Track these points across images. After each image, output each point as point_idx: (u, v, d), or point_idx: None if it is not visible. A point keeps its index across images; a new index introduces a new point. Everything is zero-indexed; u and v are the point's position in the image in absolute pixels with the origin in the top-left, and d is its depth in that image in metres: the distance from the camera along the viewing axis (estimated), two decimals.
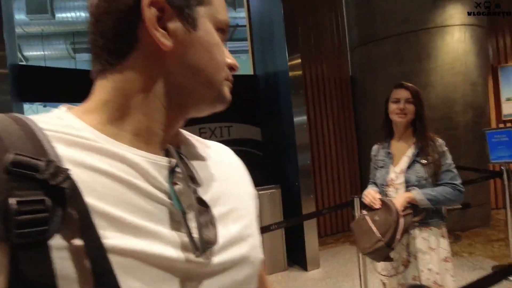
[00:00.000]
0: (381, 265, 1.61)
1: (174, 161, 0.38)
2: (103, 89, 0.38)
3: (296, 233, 3.11)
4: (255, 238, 0.45)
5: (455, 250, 3.34)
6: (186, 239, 0.36)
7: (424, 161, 1.53)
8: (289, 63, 3.23)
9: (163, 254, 0.34)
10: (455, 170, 1.55)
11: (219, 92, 0.41)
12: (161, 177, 0.37)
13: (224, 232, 0.39)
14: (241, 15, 7.26)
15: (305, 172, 3.19)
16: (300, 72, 3.30)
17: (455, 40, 3.70)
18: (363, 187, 4.68)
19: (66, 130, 0.34)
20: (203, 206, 0.38)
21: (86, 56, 9.02)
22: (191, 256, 0.35)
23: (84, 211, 0.29)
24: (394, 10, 3.77)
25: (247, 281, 0.42)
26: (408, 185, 1.54)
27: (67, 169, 0.29)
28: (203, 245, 0.35)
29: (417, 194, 1.47)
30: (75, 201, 0.29)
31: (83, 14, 7.53)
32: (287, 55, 3.22)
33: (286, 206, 3.17)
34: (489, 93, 4.30)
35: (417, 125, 1.59)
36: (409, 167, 1.55)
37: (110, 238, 0.30)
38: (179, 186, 0.38)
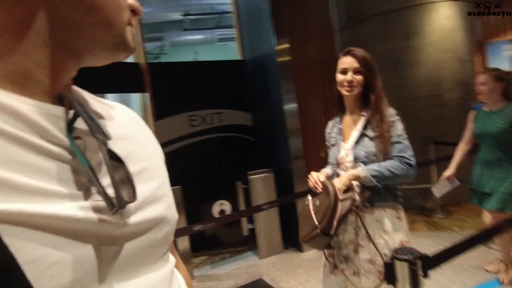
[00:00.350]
0: (328, 252, 1.45)
1: (72, 111, 0.32)
2: None
3: (290, 216, 3.16)
4: (169, 198, 0.43)
5: (446, 224, 3.42)
6: (97, 198, 0.31)
7: (372, 134, 1.37)
8: (276, 48, 3.21)
9: (69, 215, 0.28)
10: (405, 141, 1.37)
11: (122, 37, 0.35)
12: (57, 130, 0.30)
13: (139, 190, 0.35)
14: (227, 1, 7.15)
15: (297, 155, 3.22)
16: (288, 57, 3.28)
17: (443, 17, 3.68)
18: None
19: None
20: (115, 161, 0.34)
21: None
22: (105, 217, 0.31)
23: None
24: None
25: (164, 241, 0.40)
26: (357, 163, 1.38)
27: None
28: (121, 202, 0.31)
29: (361, 171, 1.31)
30: None
31: None
32: (274, 39, 3.19)
33: (280, 189, 3.20)
34: (477, 69, 4.32)
35: (369, 96, 1.40)
36: (358, 142, 1.40)
37: None
38: (82, 141, 0.32)
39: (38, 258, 0.26)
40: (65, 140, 0.31)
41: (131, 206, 0.34)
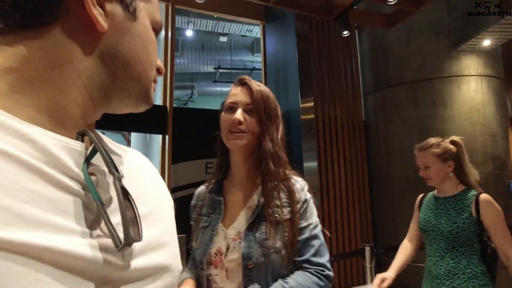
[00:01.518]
0: None
1: (90, 148, 0.33)
2: (2, 54, 0.31)
3: None
4: (175, 246, 0.42)
5: None
6: (102, 237, 0.31)
7: (276, 217, 0.85)
8: (301, 105, 3.24)
9: (74, 252, 0.28)
10: (321, 236, 0.91)
11: (147, 91, 0.40)
12: (74, 164, 0.31)
13: (144, 233, 0.34)
14: (258, 59, 7.57)
15: None
16: (312, 116, 3.29)
17: (472, 90, 3.65)
18: (376, 235, 4.38)
19: None
20: (125, 199, 0.33)
21: None
22: (109, 257, 0.31)
23: None
24: (408, 57, 3.82)
25: None
26: (247, 264, 0.83)
27: None
28: (128, 239, 0.30)
29: None
30: None
31: None
32: (299, 97, 3.24)
33: None
34: (511, 146, 4.13)
35: (265, 151, 0.89)
36: (250, 228, 0.86)
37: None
38: (95, 177, 0.33)
39: None
40: (81, 174, 0.32)
41: (134, 249, 0.34)
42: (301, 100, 3.24)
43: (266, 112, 0.92)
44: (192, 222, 1.01)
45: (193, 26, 7.09)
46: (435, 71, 3.70)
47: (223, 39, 7.67)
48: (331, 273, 0.88)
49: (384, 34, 3.99)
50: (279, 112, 0.98)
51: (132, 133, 5.58)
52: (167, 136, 3.34)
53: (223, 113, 0.95)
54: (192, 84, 9.69)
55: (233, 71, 8.57)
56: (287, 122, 3.41)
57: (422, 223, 1.62)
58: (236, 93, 0.94)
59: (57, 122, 0.32)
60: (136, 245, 0.34)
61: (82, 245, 0.29)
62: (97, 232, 0.31)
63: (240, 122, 0.89)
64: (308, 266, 0.86)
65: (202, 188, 1.04)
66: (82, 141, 0.34)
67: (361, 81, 4.41)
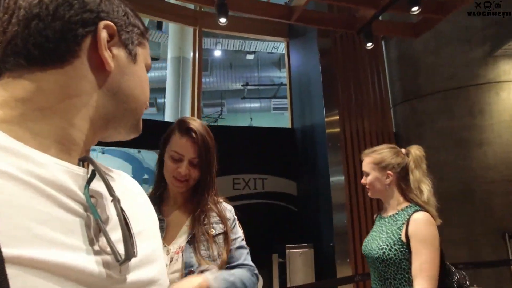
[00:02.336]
0: None
1: (89, 172, 0.38)
2: (17, 85, 0.35)
3: None
4: (162, 263, 0.46)
5: None
6: (103, 253, 0.35)
7: (213, 231, 1.03)
8: (327, 119, 3.21)
9: (83, 267, 0.32)
10: (247, 247, 1.12)
11: (138, 122, 0.46)
12: (77, 187, 0.35)
13: (138, 249, 0.38)
14: (285, 74, 7.66)
15: (341, 231, 2.94)
16: (337, 129, 3.25)
17: None
18: None
19: None
20: (123, 218, 0.37)
21: (145, 111, 9.99)
22: (109, 271, 0.35)
23: None
24: (439, 65, 3.66)
25: None
26: (189, 271, 0.98)
27: None
28: (128, 255, 0.35)
29: (212, 279, 0.95)
30: None
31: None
32: (324, 112, 3.22)
33: (318, 268, 2.87)
34: None
35: (200, 189, 1.06)
36: (190, 241, 1.01)
37: (14, 247, 0.27)
38: (94, 199, 0.38)
39: None
40: (83, 197, 0.35)
41: (130, 264, 0.37)
42: (326, 114, 3.22)
43: (208, 161, 1.05)
44: None
45: (221, 46, 7.36)
46: (470, 78, 3.51)
47: (250, 56, 7.87)
48: (258, 274, 1.10)
49: (411, 43, 3.88)
50: (215, 155, 1.10)
51: None
52: None
53: (168, 159, 1.04)
54: (221, 101, 9.96)
55: (261, 87, 8.71)
56: (312, 137, 3.36)
57: (362, 247, 1.40)
58: (182, 145, 1.02)
59: (64, 148, 0.37)
60: (131, 261, 0.37)
61: (88, 261, 0.33)
62: (98, 248, 0.35)
63: (185, 175, 1.02)
64: (243, 267, 1.07)
65: None
66: (83, 166, 0.39)
67: (389, 92, 4.29)
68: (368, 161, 1.40)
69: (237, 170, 3.49)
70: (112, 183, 0.42)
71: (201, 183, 1.05)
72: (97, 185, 0.39)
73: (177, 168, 1.01)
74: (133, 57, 0.43)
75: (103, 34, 0.38)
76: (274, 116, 10.14)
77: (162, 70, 8.01)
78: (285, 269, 2.86)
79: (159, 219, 0.97)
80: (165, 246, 1.01)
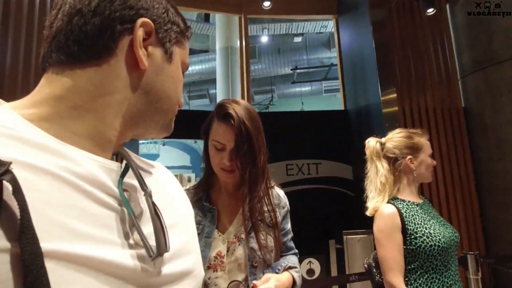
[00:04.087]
0: None
1: (123, 166, 0.38)
2: (57, 82, 0.36)
3: None
4: (197, 253, 0.47)
5: None
6: (137, 247, 0.35)
7: (268, 222, 1.00)
8: (383, 98, 3.00)
9: (119, 262, 0.32)
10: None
11: (170, 122, 0.45)
12: (111, 182, 0.36)
13: (171, 242, 0.38)
14: (335, 54, 7.30)
15: None
16: (395, 108, 3.02)
17: None
18: (488, 242, 3.74)
19: (2, 123, 0.31)
20: (155, 212, 0.38)
21: (197, 102, 10.43)
22: (144, 265, 0.35)
23: (23, 211, 0.26)
24: None
25: None
26: (253, 263, 0.95)
27: (8, 162, 0.26)
28: (160, 250, 0.35)
29: (298, 277, 0.99)
30: (16, 198, 0.26)
31: (197, 68, 8.86)
32: (379, 90, 3.00)
33: None
34: None
35: (249, 175, 0.98)
36: (249, 231, 0.98)
37: (51, 242, 0.28)
38: (127, 193, 0.38)
39: None
40: (117, 191, 0.36)
41: (164, 256, 0.38)
42: (381, 92, 2.99)
43: (252, 150, 0.97)
44: None
45: (268, 31, 7.27)
46: None
47: (298, 39, 7.65)
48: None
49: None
50: (264, 142, 1.04)
51: None
52: None
53: (212, 151, 1.00)
54: (271, 88, 9.91)
55: (311, 70, 8.45)
56: (367, 118, 3.19)
57: (440, 239, 1.23)
58: (222, 133, 0.97)
59: (97, 145, 0.37)
60: (165, 254, 0.37)
61: (123, 255, 0.33)
62: (132, 242, 0.35)
63: (231, 165, 0.97)
64: (294, 254, 1.12)
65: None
66: (117, 160, 0.40)
67: (456, 62, 3.83)
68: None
69: (289, 155, 3.46)
70: (145, 177, 0.42)
71: (250, 170, 0.99)
72: (131, 178, 0.39)
73: (221, 159, 0.97)
74: (168, 56, 0.42)
75: (140, 32, 0.38)
76: (325, 98, 9.81)
77: (212, 61, 8.22)
78: (343, 255, 2.79)
79: (210, 209, 1.02)
80: (220, 235, 0.99)
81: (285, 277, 0.94)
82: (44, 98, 0.35)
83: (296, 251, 1.14)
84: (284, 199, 1.10)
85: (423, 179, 1.38)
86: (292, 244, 1.12)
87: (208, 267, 0.96)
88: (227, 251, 0.97)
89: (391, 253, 1.20)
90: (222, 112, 0.97)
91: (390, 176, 1.38)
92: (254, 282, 0.86)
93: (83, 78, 0.36)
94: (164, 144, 11.41)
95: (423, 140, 1.40)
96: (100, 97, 0.37)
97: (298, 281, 0.99)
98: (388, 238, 1.22)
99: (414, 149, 1.37)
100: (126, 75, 0.38)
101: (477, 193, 3.57)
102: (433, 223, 1.27)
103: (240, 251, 0.97)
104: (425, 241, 1.19)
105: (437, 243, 1.19)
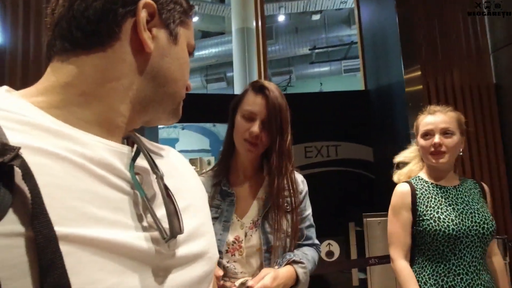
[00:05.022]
0: None
1: (134, 150, 0.38)
2: (63, 70, 0.36)
3: None
4: (211, 235, 0.46)
5: None
6: (151, 229, 0.35)
7: (285, 207, 0.98)
8: (406, 77, 2.86)
9: (132, 244, 0.32)
10: (314, 225, 1.10)
11: (178, 106, 0.44)
12: (122, 165, 0.36)
13: (185, 224, 0.38)
14: (356, 32, 7.01)
15: None
16: (419, 86, 2.88)
17: None
18: None
19: (12, 109, 0.31)
20: (167, 195, 0.38)
21: (215, 86, 10.42)
22: (158, 247, 0.35)
23: (36, 195, 0.26)
24: None
25: (206, 278, 0.42)
26: (268, 248, 0.95)
27: (17, 147, 0.26)
28: (173, 232, 0.35)
29: (302, 273, 0.93)
30: (26, 182, 0.26)
31: (213, 50, 8.79)
32: (402, 68, 2.86)
33: None
34: None
35: (272, 155, 0.97)
36: (265, 216, 0.97)
37: (66, 226, 0.28)
38: (139, 176, 0.38)
39: (95, 281, 0.29)
40: (128, 174, 0.36)
41: (178, 239, 0.38)
42: (404, 70, 2.86)
43: (281, 125, 0.97)
44: None
45: (285, 10, 7.05)
46: None
47: (316, 17, 7.39)
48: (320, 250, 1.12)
49: None
50: (289, 119, 1.02)
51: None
52: None
53: (240, 119, 0.99)
54: (289, 69, 9.73)
55: (330, 49, 8.19)
56: (389, 98, 3.08)
57: (453, 227, 1.18)
58: (256, 103, 0.97)
59: (106, 131, 0.37)
60: (178, 236, 0.37)
61: (137, 237, 0.34)
62: (146, 225, 0.36)
63: (257, 136, 0.95)
64: (313, 245, 1.08)
65: (202, 178, 1.07)
66: (127, 144, 0.39)
67: (488, 35, 3.58)
68: (454, 118, 1.25)
69: (308, 138, 3.42)
70: (157, 160, 0.42)
71: (273, 150, 0.97)
72: (143, 162, 0.39)
73: (249, 128, 0.95)
74: (174, 37, 0.41)
75: (143, 14, 0.37)
76: (345, 79, 9.52)
77: (228, 44, 8.12)
78: (363, 237, 2.77)
79: (229, 193, 1.01)
80: (238, 220, 0.99)
81: (285, 272, 0.90)
82: (51, 86, 0.35)
83: (316, 242, 1.09)
84: (302, 185, 1.07)
85: (428, 162, 1.28)
86: (311, 233, 1.08)
87: (226, 250, 0.96)
88: (245, 236, 0.98)
89: (395, 229, 1.25)
90: (257, 85, 1.00)
91: (416, 153, 1.39)
92: (250, 282, 0.84)
93: (88, 64, 0.36)
94: (183, 128, 11.59)
95: (420, 119, 1.34)
96: (107, 83, 0.36)
97: (303, 277, 0.93)
98: (395, 215, 1.26)
99: (416, 130, 1.36)
100: (131, 59, 0.37)
101: (507, 176, 3.41)
102: (450, 209, 1.20)
103: (256, 236, 0.98)
104: (430, 225, 1.18)
105: (443, 229, 1.16)
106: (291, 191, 1.00)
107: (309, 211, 1.08)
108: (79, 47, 0.36)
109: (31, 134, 0.30)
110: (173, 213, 0.37)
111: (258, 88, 0.99)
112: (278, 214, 0.97)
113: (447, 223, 1.16)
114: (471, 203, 1.22)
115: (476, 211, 1.19)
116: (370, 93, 3.59)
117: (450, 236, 1.15)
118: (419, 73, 2.88)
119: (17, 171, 0.26)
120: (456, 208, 1.20)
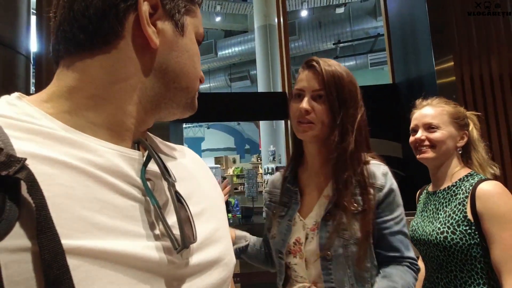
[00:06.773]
0: None
1: (145, 155, 0.36)
2: (69, 74, 0.35)
3: None
4: (228, 241, 0.44)
5: None
6: (163, 238, 0.34)
7: (352, 206, 0.79)
8: (437, 68, 2.71)
9: (143, 255, 0.31)
10: (407, 230, 0.84)
11: (192, 100, 0.42)
12: (133, 172, 0.35)
13: (199, 231, 0.37)
14: (382, 24, 6.75)
15: None
16: (452, 77, 2.71)
17: None
18: None
19: (22, 117, 0.30)
20: (179, 202, 0.36)
21: (239, 84, 10.48)
22: (170, 257, 0.34)
23: (42, 208, 0.25)
24: None
25: (221, 285, 0.40)
26: (325, 255, 0.79)
27: (23, 158, 0.26)
28: (185, 242, 0.33)
29: None
30: (32, 195, 0.25)
31: (237, 49, 8.83)
32: (433, 58, 2.71)
33: None
34: None
35: (333, 133, 0.81)
36: (327, 217, 0.81)
37: (74, 238, 0.27)
38: (151, 182, 0.36)
39: None
40: (139, 181, 0.34)
41: (192, 246, 0.36)
42: (435, 61, 2.70)
43: (339, 97, 0.82)
44: (266, 209, 1.00)
45: (307, 4, 6.94)
46: None
47: (340, 10, 7.19)
48: (419, 267, 0.86)
49: None
50: (358, 94, 0.87)
51: (260, 121, 6.01)
52: (288, 121, 3.43)
53: (291, 103, 0.88)
54: None
55: (355, 42, 7.95)
56: (419, 91, 2.93)
57: (410, 232, 1.13)
58: (303, 78, 0.86)
59: (116, 134, 0.36)
60: (192, 244, 0.36)
61: (148, 247, 0.32)
62: (158, 233, 0.34)
63: (307, 112, 0.82)
64: (402, 260, 0.83)
65: (277, 175, 1.01)
66: (138, 148, 0.38)
67: None
68: (441, 112, 1.12)
69: None
70: (169, 163, 0.41)
71: (334, 140, 0.81)
72: (155, 166, 0.37)
73: (299, 106, 0.83)
74: (180, 29, 0.39)
75: (145, 7, 0.35)
76: (372, 72, 9.21)
77: (251, 42, 8.12)
78: None
79: (293, 192, 0.92)
80: (301, 219, 0.88)
81: None
82: (59, 91, 0.35)
83: (407, 255, 0.83)
84: (383, 179, 0.83)
85: (418, 159, 1.18)
86: (398, 242, 0.82)
87: (288, 251, 0.88)
88: (306, 239, 0.85)
89: None
90: (306, 61, 0.89)
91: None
92: None
93: (94, 66, 0.35)
94: (208, 127, 11.77)
95: (411, 115, 1.28)
96: (115, 84, 0.35)
97: None
98: None
99: None
100: (137, 57, 0.36)
101: None
102: (422, 214, 1.13)
103: (315, 241, 0.83)
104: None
105: (410, 234, 1.13)
106: (363, 185, 0.81)
107: (396, 213, 0.83)
108: (83, 49, 0.35)
109: (39, 142, 0.30)
110: (186, 221, 0.36)
111: (306, 63, 0.87)
112: (338, 215, 0.80)
113: (412, 227, 1.14)
114: (440, 210, 1.06)
115: (436, 219, 1.04)
116: (398, 86, 3.44)
117: (412, 240, 1.11)
118: (452, 63, 2.72)
119: (23, 183, 0.25)
120: (423, 214, 1.13)
